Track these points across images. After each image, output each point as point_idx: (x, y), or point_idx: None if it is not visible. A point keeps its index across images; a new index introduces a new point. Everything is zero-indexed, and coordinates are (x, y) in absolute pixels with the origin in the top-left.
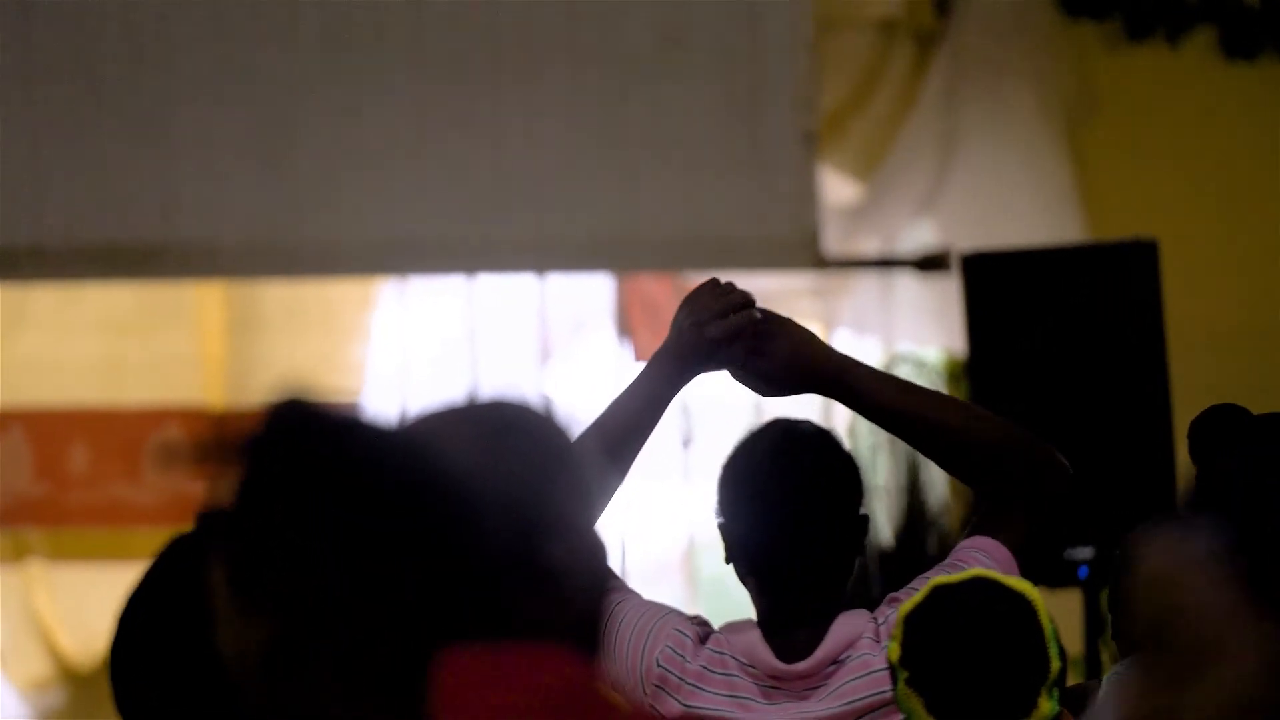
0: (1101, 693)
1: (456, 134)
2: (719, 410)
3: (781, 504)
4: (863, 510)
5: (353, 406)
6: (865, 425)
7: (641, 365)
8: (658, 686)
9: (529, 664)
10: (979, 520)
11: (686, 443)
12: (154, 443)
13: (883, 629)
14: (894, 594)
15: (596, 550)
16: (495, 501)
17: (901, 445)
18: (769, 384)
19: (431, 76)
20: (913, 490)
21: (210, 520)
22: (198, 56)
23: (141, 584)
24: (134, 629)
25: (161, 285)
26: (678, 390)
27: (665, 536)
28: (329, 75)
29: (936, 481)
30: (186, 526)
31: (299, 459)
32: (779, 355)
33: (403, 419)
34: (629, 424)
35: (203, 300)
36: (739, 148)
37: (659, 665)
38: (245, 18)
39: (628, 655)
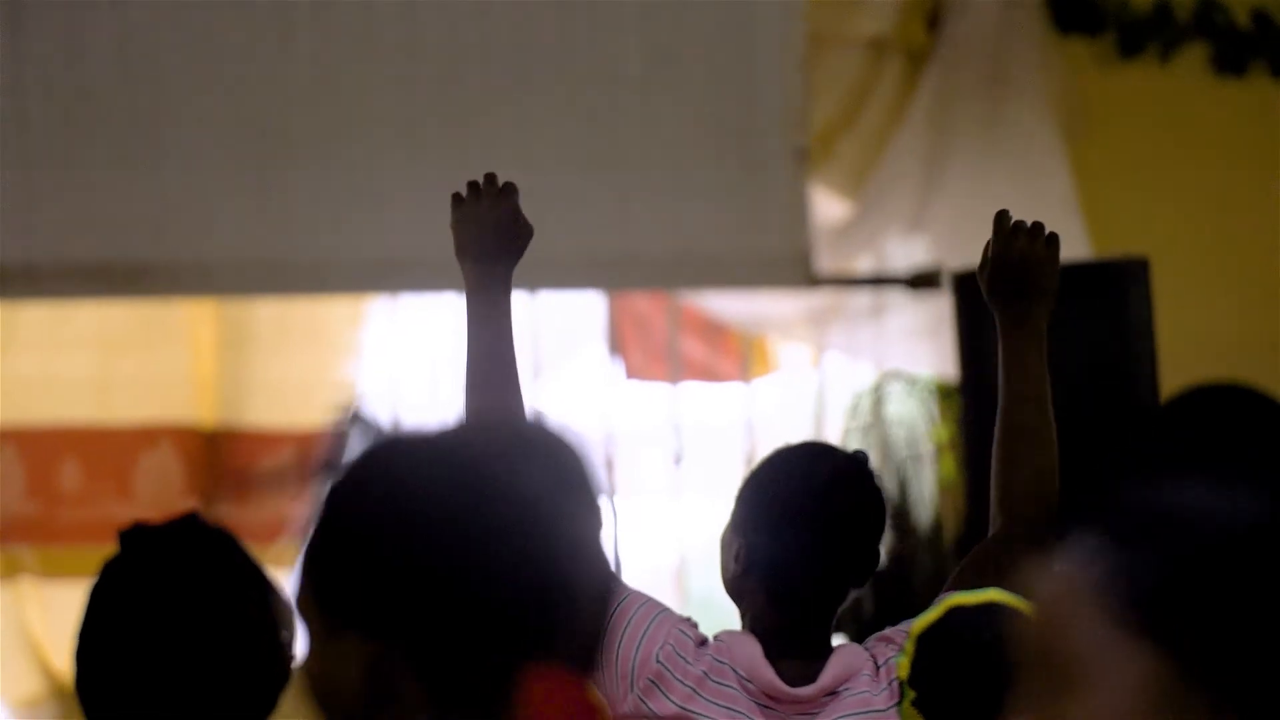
0: None
1: (448, 152)
2: (710, 429)
3: (825, 531)
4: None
5: (425, 425)
6: (857, 442)
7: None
8: (652, 681)
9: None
10: (977, 564)
11: (678, 460)
12: (146, 460)
13: (882, 669)
14: (885, 632)
15: (608, 567)
16: (566, 522)
17: (892, 464)
18: (1001, 272)
19: (423, 94)
20: (903, 508)
21: (136, 536)
22: (189, 74)
23: (102, 583)
24: (93, 654)
25: (153, 303)
26: (507, 286)
27: (657, 553)
28: (321, 93)
29: (927, 500)
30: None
31: (385, 483)
32: (1037, 253)
33: (459, 433)
34: (499, 345)
35: (194, 318)
36: (730, 165)
37: (658, 661)
38: (237, 36)
39: (621, 648)
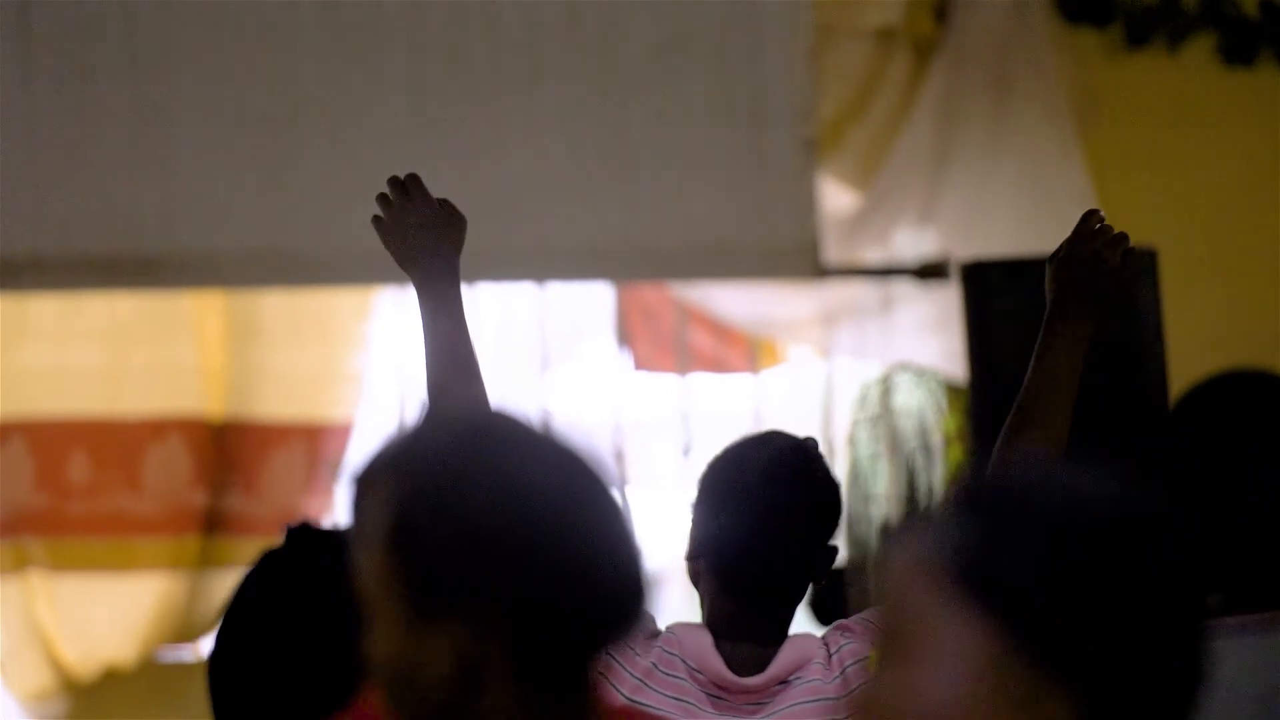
0: None
1: (455, 143)
2: (718, 420)
3: (766, 515)
4: (833, 541)
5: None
6: (866, 433)
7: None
8: (603, 674)
9: None
10: None
11: (687, 451)
12: (154, 452)
13: (834, 657)
14: (844, 621)
15: None
16: (628, 512)
17: (901, 456)
18: (1080, 268)
19: (430, 85)
20: (911, 500)
21: (298, 534)
22: (197, 66)
23: (237, 595)
24: (232, 637)
25: (161, 295)
26: (453, 278)
27: (664, 544)
28: (328, 84)
29: (936, 491)
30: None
31: (476, 476)
32: (1119, 260)
33: (546, 426)
34: (453, 339)
35: (203, 310)
36: (739, 157)
37: (606, 653)
38: (245, 27)
39: None
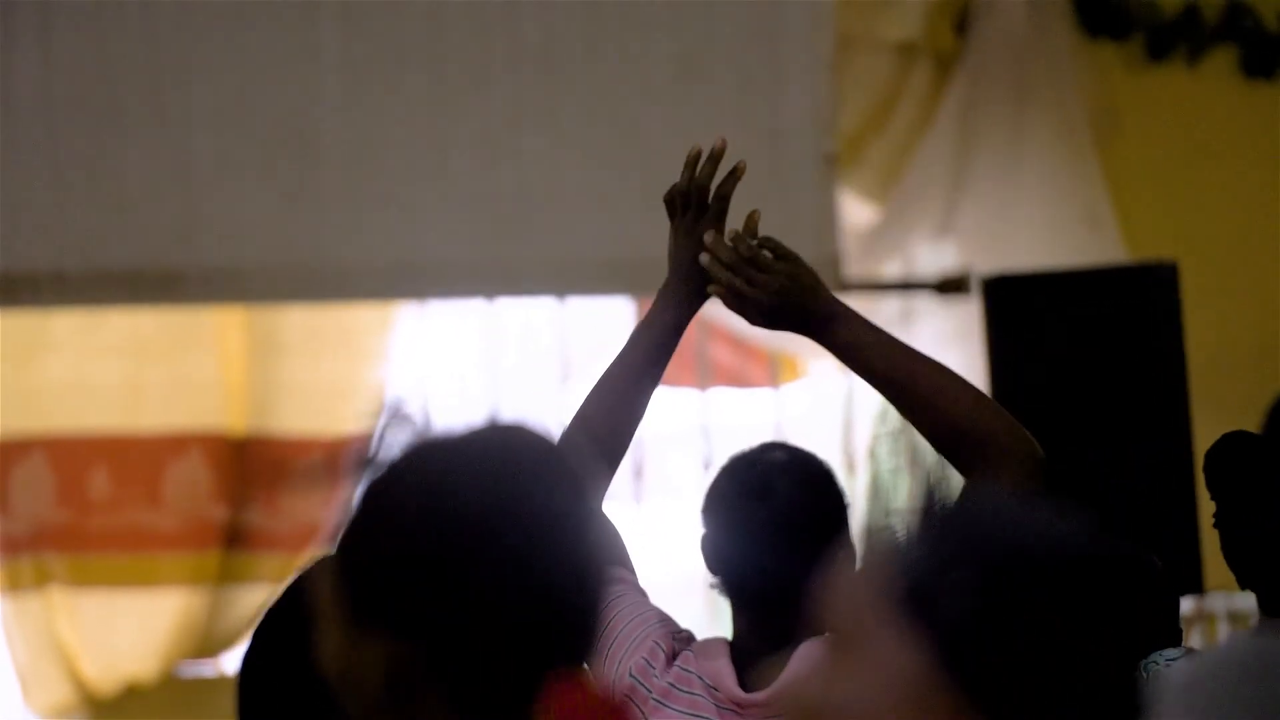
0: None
1: (476, 158)
2: (738, 434)
3: (762, 525)
4: (844, 550)
5: (461, 427)
6: (886, 448)
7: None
8: (626, 696)
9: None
10: None
11: (707, 465)
12: (175, 468)
13: None
14: None
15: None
16: (583, 526)
17: (922, 469)
18: (758, 314)
19: (451, 100)
20: (880, 514)
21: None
22: (217, 81)
23: (276, 604)
24: (263, 647)
25: (182, 310)
26: (685, 319)
27: (685, 557)
28: (349, 99)
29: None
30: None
31: (413, 486)
32: (771, 286)
33: (493, 437)
34: (644, 360)
35: (224, 325)
36: (759, 170)
37: (631, 675)
38: (265, 42)
39: (607, 654)
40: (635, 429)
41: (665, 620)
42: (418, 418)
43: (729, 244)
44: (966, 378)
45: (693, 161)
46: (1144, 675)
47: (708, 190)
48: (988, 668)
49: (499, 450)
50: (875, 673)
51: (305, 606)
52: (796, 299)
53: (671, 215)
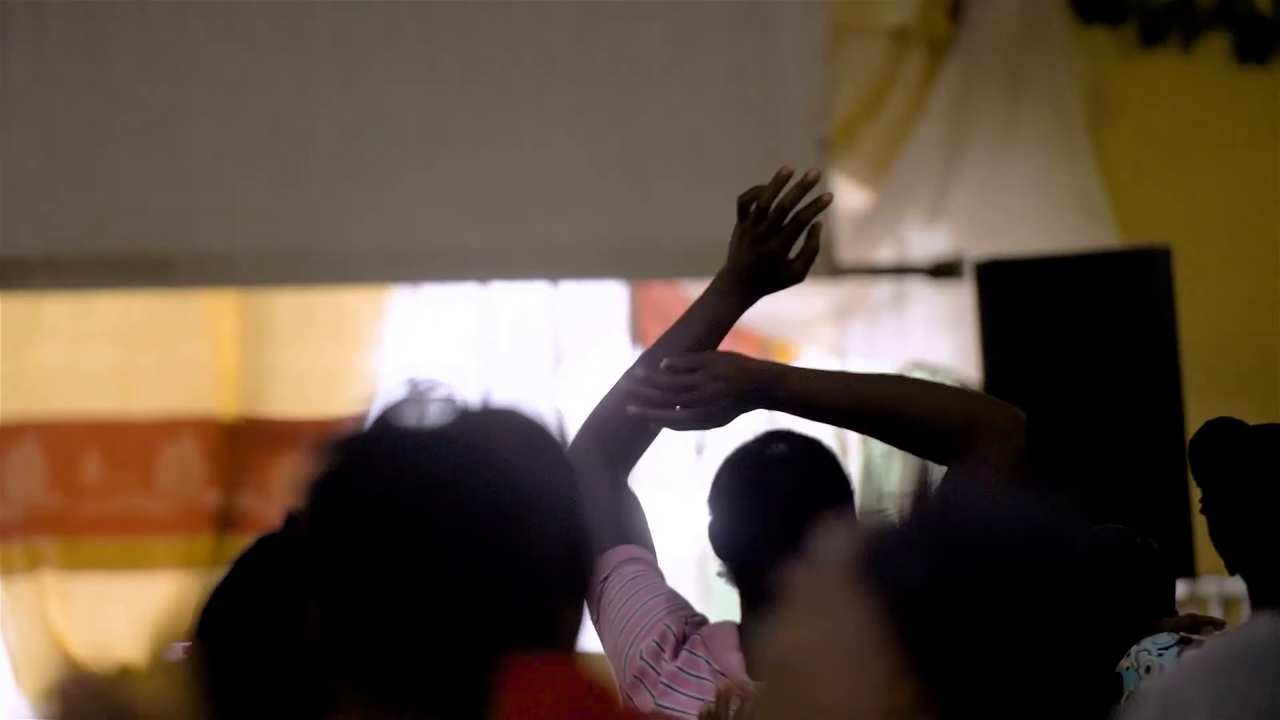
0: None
1: (469, 143)
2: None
3: (763, 509)
4: None
5: (406, 411)
6: None
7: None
8: (636, 678)
9: (573, 672)
10: None
11: (699, 451)
12: (167, 452)
13: None
14: None
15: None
16: (545, 511)
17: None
18: (712, 423)
19: (444, 85)
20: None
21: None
22: (210, 66)
23: (227, 573)
24: (215, 612)
25: (174, 295)
26: (735, 316)
27: (678, 543)
28: (342, 84)
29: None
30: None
31: (366, 469)
32: (704, 396)
33: (432, 423)
34: (695, 346)
35: (216, 309)
36: (753, 156)
37: (641, 658)
38: (258, 27)
39: (620, 636)
40: None
41: (678, 603)
42: (435, 390)
43: (650, 390)
44: (951, 359)
45: (782, 180)
46: (1135, 663)
47: (787, 212)
48: (931, 634)
49: (481, 428)
50: (829, 628)
51: (250, 577)
52: (734, 389)
53: (742, 218)
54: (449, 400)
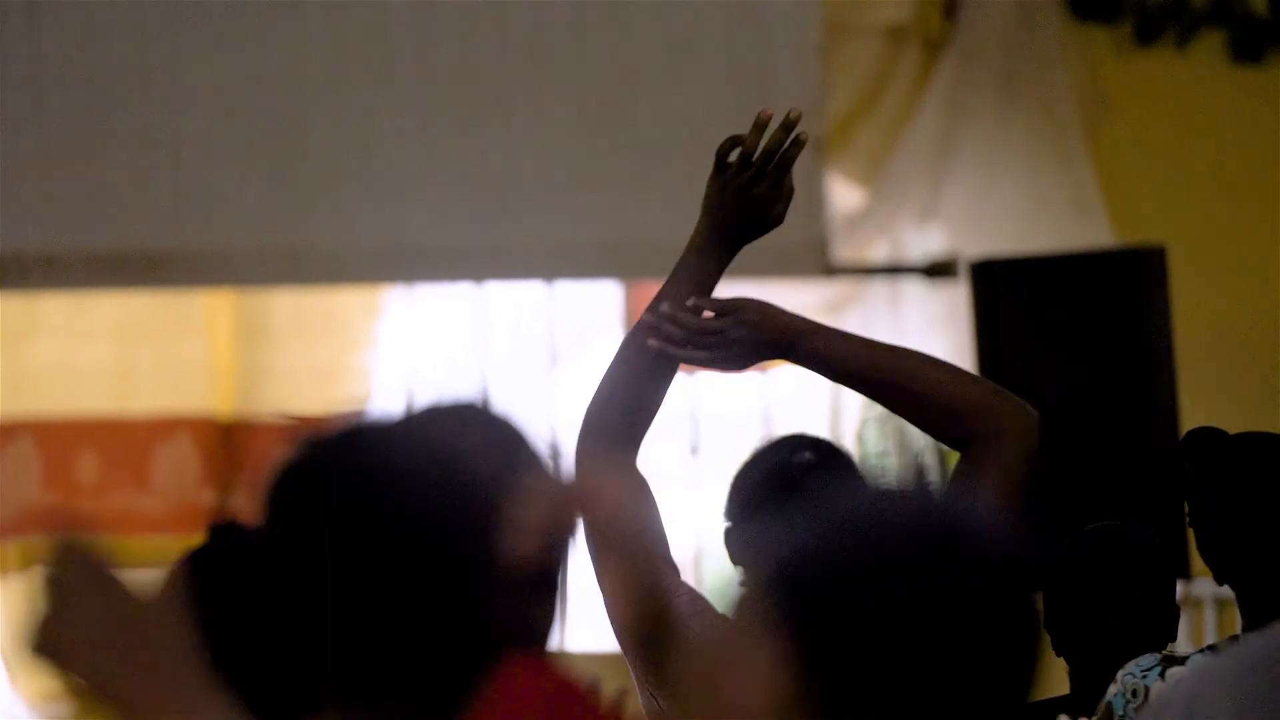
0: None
1: (465, 141)
2: (726, 419)
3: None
4: None
5: (369, 415)
6: (874, 431)
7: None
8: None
9: (550, 673)
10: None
11: (694, 450)
12: (163, 451)
13: None
14: None
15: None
16: (513, 507)
17: (909, 454)
18: (731, 367)
19: (440, 84)
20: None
21: (221, 532)
22: (205, 64)
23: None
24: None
25: (170, 293)
26: (721, 271)
27: (673, 542)
28: (337, 83)
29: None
30: (196, 536)
31: (329, 468)
32: (730, 339)
33: (406, 420)
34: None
35: (212, 308)
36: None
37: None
38: (253, 26)
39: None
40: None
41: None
42: (336, 417)
43: (674, 327)
44: (945, 358)
45: (763, 125)
46: (1122, 688)
47: (773, 156)
48: (817, 626)
49: (447, 425)
50: (751, 674)
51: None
52: (757, 338)
53: (720, 169)
54: (416, 398)
